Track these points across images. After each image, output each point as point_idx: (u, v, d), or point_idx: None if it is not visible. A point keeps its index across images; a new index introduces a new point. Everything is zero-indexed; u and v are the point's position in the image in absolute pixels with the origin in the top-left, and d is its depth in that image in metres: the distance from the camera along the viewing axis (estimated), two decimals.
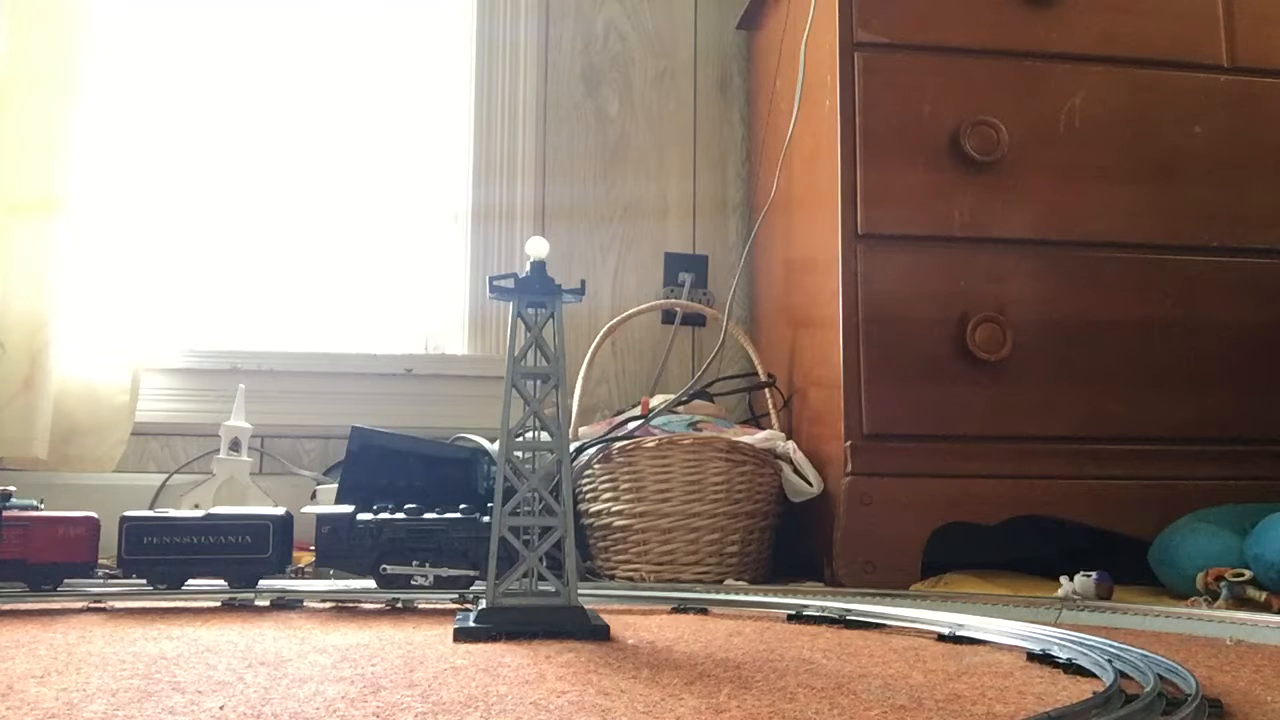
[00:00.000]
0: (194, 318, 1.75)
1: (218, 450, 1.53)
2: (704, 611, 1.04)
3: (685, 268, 1.86)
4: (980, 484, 1.32)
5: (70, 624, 0.91)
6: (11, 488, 1.07)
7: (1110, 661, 0.68)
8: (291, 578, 1.21)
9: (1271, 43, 1.45)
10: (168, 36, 1.73)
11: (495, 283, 0.88)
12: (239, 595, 1.05)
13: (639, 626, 0.92)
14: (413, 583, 1.05)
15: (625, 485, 1.38)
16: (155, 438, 1.68)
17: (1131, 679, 0.65)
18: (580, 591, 0.87)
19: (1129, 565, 1.24)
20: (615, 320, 1.62)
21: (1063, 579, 1.17)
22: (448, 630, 0.87)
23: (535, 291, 0.88)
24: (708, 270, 1.87)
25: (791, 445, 1.41)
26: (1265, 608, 1.03)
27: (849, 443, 1.31)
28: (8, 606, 1.00)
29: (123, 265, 1.60)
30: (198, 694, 0.61)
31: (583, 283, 0.89)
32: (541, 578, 0.87)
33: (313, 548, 1.13)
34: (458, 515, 1.06)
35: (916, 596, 1.17)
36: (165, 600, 1.04)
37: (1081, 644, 0.75)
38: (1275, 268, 1.41)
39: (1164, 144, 1.41)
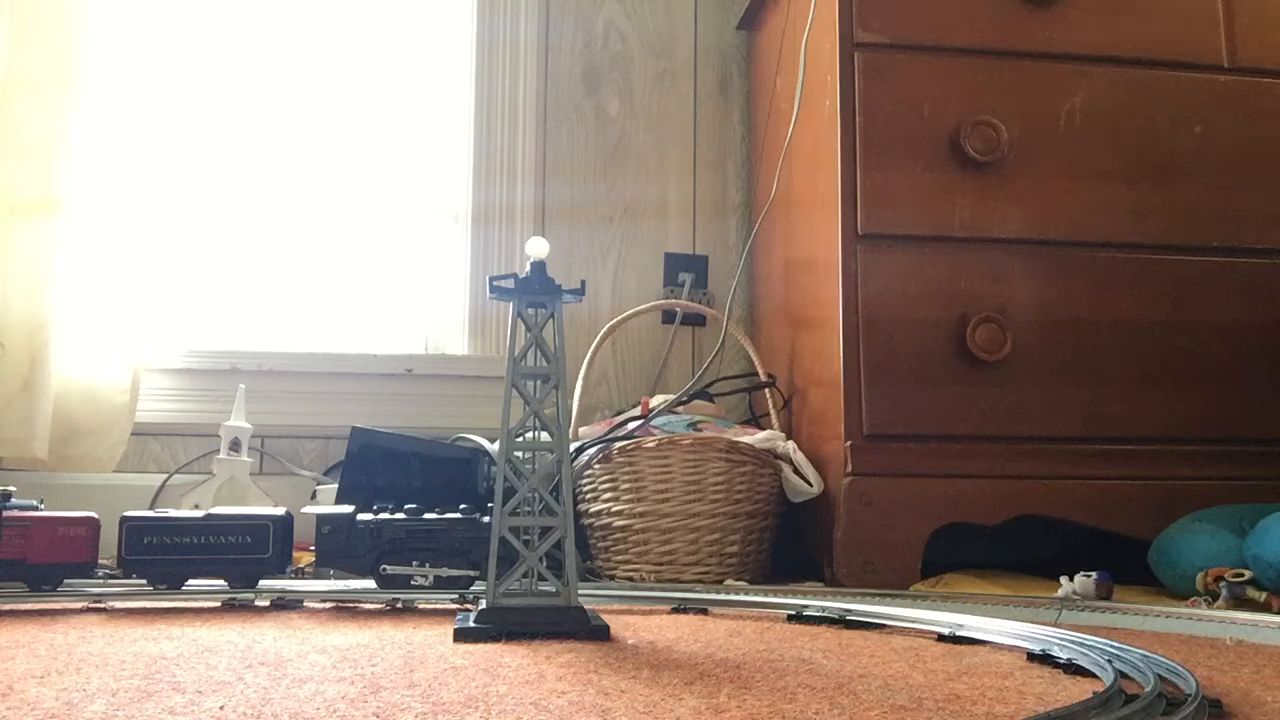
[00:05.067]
0: (194, 318, 1.75)
1: (218, 450, 1.53)
2: (704, 611, 1.04)
3: (685, 268, 1.86)
4: (980, 484, 1.32)
5: (70, 624, 0.91)
6: (11, 488, 1.07)
7: (1110, 661, 0.68)
8: (291, 578, 1.21)
9: (1271, 43, 1.45)
10: (168, 37, 1.73)
11: (495, 283, 0.88)
12: (239, 595, 1.05)
13: (639, 626, 0.92)
14: (413, 583, 1.05)
15: (625, 485, 1.38)
16: (155, 438, 1.68)
17: (1131, 679, 0.65)
18: (580, 591, 0.87)
19: (1129, 565, 1.24)
20: (615, 320, 1.62)
21: (1063, 579, 1.17)
22: (448, 630, 0.87)
23: (535, 292, 0.88)
24: (708, 270, 1.87)
25: (791, 445, 1.41)
26: (1265, 608, 1.03)
27: (849, 443, 1.31)
28: (8, 606, 1.00)
29: (123, 265, 1.60)
30: (198, 694, 0.61)
31: (583, 283, 0.89)
32: (541, 578, 0.87)
33: (313, 548, 1.13)
34: (458, 515, 1.06)
35: (916, 596, 1.17)
36: (165, 600, 1.04)
37: (1081, 644, 0.75)
38: (1274, 268, 1.41)
39: (1164, 144, 1.41)
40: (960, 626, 0.86)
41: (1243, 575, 1.07)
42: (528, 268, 0.88)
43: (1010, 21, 1.40)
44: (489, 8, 1.85)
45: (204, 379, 1.68)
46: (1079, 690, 0.65)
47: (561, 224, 1.84)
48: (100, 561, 1.11)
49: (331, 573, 1.21)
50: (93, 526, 1.07)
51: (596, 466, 1.40)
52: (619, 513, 1.38)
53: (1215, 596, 1.09)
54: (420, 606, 1.04)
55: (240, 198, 1.80)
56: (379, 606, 1.04)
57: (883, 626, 0.93)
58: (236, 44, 1.82)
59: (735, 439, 1.38)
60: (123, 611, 0.99)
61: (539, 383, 0.89)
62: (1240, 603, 1.06)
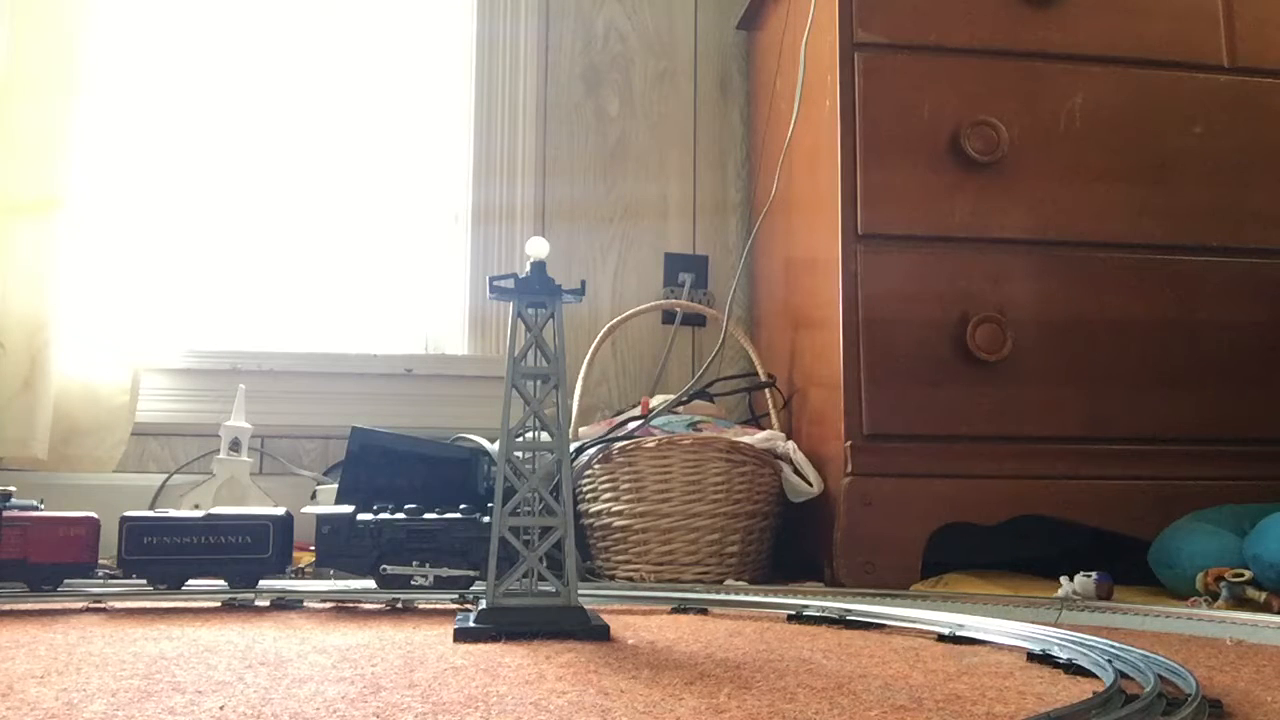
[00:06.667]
0: (194, 318, 1.75)
1: (218, 450, 1.53)
2: (704, 611, 1.04)
3: (685, 268, 1.86)
4: (980, 484, 1.32)
5: (70, 624, 0.91)
6: (11, 488, 1.07)
7: (1110, 661, 0.68)
8: (291, 578, 1.21)
9: (1271, 43, 1.45)
10: (168, 37, 1.73)
11: (495, 283, 0.88)
12: (239, 595, 1.05)
13: (639, 626, 0.92)
14: (413, 583, 1.05)
15: (625, 485, 1.38)
16: (155, 438, 1.68)
17: (1131, 679, 0.65)
18: (580, 591, 0.87)
19: (1129, 565, 1.24)
20: (615, 320, 1.62)
21: (1063, 579, 1.17)
22: (448, 630, 0.87)
23: (535, 292, 0.88)
24: (708, 270, 1.87)
25: (791, 445, 1.41)
26: (1265, 608, 1.03)
27: (849, 443, 1.31)
28: (8, 606, 1.00)
29: (123, 265, 1.60)
30: (198, 694, 0.61)
31: (583, 283, 0.89)
32: (541, 578, 0.87)
33: (313, 548, 1.13)
34: (458, 515, 1.06)
35: (916, 596, 1.17)
36: (165, 600, 1.04)
37: (1081, 644, 0.75)
38: (1275, 268, 1.41)
39: (1164, 144, 1.41)
40: (960, 626, 0.86)
41: (1243, 575, 1.07)
42: (528, 268, 0.88)
43: (1010, 21, 1.40)
44: (489, 8, 1.85)
45: (204, 379, 1.68)
46: (1079, 690, 0.65)
47: (561, 224, 1.84)
48: (100, 561, 1.11)
49: (331, 573, 1.21)
50: (93, 526, 1.07)
51: (596, 466, 1.40)
52: (619, 513, 1.38)
53: (1215, 596, 1.09)
54: (420, 606, 1.04)
55: (240, 198, 1.80)
56: (379, 606, 1.04)
57: (883, 626, 0.93)
58: (236, 44, 1.82)
59: (735, 439, 1.38)
60: (123, 611, 0.99)
61: (539, 383, 0.89)
62: (1240, 603, 1.06)
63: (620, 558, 1.38)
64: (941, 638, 0.86)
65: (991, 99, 1.38)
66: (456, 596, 1.05)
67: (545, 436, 0.89)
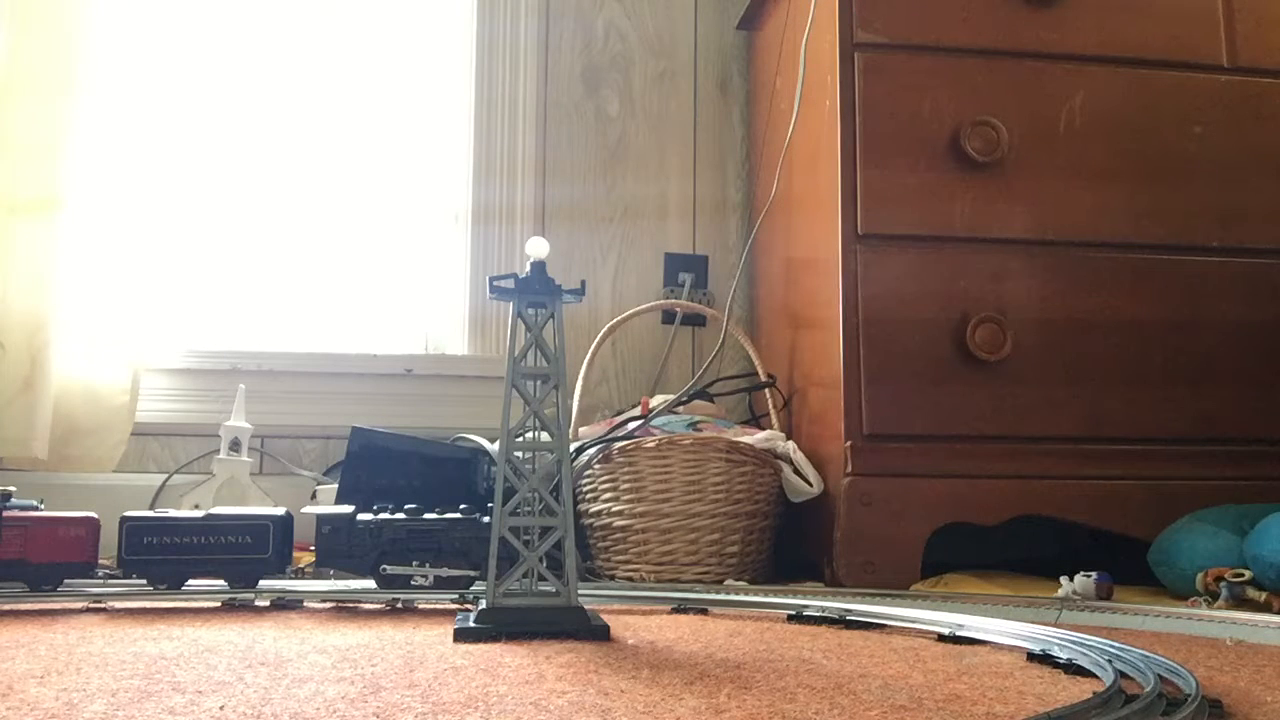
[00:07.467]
0: (194, 318, 1.75)
1: (218, 450, 1.53)
2: (704, 611, 1.04)
3: (685, 268, 1.86)
4: (980, 484, 1.32)
5: (70, 624, 0.91)
6: (11, 488, 1.07)
7: (1110, 662, 0.68)
8: (291, 578, 1.21)
9: (1271, 43, 1.45)
10: (168, 37, 1.73)
11: (495, 283, 0.88)
12: (239, 595, 1.05)
13: (639, 626, 0.92)
14: (413, 583, 1.05)
15: (625, 485, 1.38)
16: (155, 438, 1.68)
17: (1132, 679, 0.65)
18: (580, 591, 0.87)
19: (1129, 565, 1.24)
20: (615, 320, 1.62)
21: (1063, 579, 1.17)
22: (448, 630, 0.87)
23: (535, 292, 0.88)
24: (708, 270, 1.87)
25: (791, 445, 1.41)
26: (1265, 608, 1.03)
27: (849, 443, 1.31)
28: (8, 606, 1.00)
29: (123, 265, 1.60)
30: (198, 694, 0.61)
31: (583, 283, 0.89)
32: (541, 578, 0.87)
33: (313, 548, 1.13)
34: (458, 515, 1.06)
35: (916, 596, 1.17)
36: (165, 600, 1.04)
37: (1081, 644, 0.75)
38: (1275, 268, 1.41)
39: (1164, 144, 1.41)
40: (960, 626, 0.86)
41: (1243, 575, 1.07)
42: (528, 268, 0.88)
43: (1010, 21, 1.40)
44: (489, 8, 1.85)
45: (204, 379, 1.68)
46: (1079, 690, 0.65)
47: (561, 224, 1.84)
48: (100, 561, 1.11)
49: (331, 573, 1.21)
50: (93, 526, 1.07)
51: (596, 466, 1.40)
52: (619, 513, 1.38)
53: (1215, 596, 1.09)
54: (420, 606, 1.04)
55: (240, 198, 1.80)
56: (379, 606, 1.04)
57: (883, 626, 0.93)
58: (236, 44, 1.82)
59: (735, 439, 1.38)
60: (123, 611, 0.99)
61: (539, 383, 0.89)
62: (1240, 603, 1.06)
63: (620, 558, 1.38)
64: (941, 638, 0.86)
65: (991, 99, 1.38)
66: (456, 596, 1.05)
67: (545, 436, 0.89)
